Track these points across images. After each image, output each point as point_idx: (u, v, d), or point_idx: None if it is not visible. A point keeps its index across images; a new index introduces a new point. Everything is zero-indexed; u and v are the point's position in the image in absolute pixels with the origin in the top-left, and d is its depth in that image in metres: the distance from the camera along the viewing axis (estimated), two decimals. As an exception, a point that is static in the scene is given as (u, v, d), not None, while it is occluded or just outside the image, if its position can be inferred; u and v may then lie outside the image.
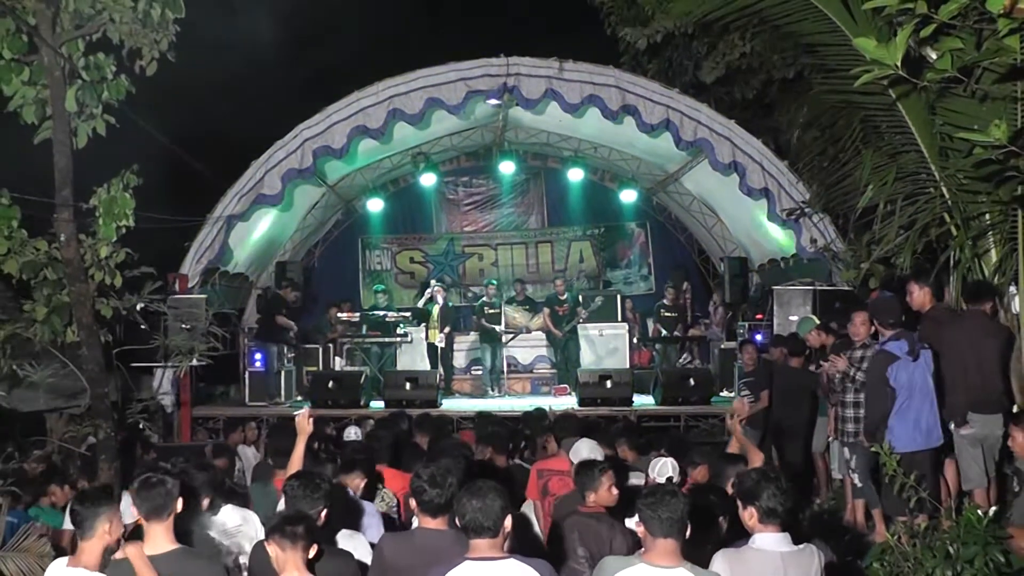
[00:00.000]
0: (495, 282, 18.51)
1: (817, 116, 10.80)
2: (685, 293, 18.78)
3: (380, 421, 11.27)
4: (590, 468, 6.36)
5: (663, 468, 7.08)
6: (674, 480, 6.86)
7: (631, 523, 5.58)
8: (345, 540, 5.74)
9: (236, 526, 6.08)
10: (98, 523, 4.88)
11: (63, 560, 4.96)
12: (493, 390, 17.40)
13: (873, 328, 8.98)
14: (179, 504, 5.11)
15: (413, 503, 5.44)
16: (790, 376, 11.09)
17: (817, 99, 10.79)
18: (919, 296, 8.68)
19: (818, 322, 11.30)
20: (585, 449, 7.03)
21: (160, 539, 4.98)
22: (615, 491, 6.29)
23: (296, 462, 6.49)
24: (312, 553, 4.76)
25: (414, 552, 5.23)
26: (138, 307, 8.14)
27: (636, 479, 7.62)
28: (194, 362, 9.15)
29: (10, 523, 7.56)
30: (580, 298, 17.74)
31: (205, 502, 5.76)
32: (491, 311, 17.43)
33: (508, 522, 4.58)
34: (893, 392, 8.03)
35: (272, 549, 4.71)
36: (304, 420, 6.64)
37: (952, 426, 8.13)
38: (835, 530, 8.96)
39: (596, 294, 18.53)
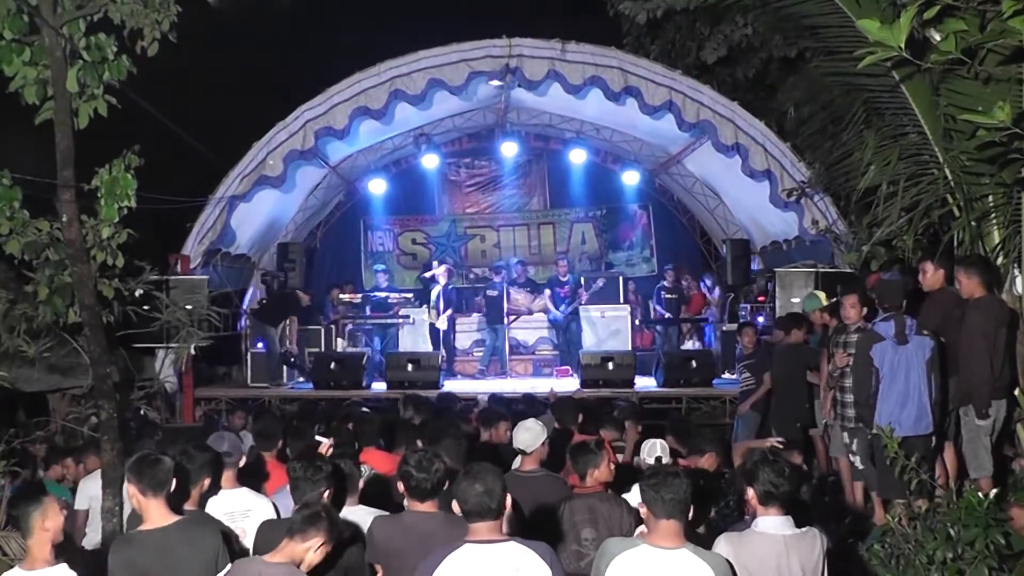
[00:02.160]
0: (502, 265, 18.71)
1: (815, 92, 10.78)
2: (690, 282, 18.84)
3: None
4: (586, 447, 6.37)
5: (652, 449, 7.07)
6: (663, 461, 6.84)
7: (632, 499, 5.58)
8: (369, 516, 5.77)
9: (245, 510, 6.08)
10: (33, 520, 4.87)
11: (16, 570, 4.95)
12: (490, 372, 17.55)
13: (865, 310, 9.00)
14: (174, 484, 5.21)
15: (401, 487, 5.46)
16: (788, 355, 11.08)
17: (815, 74, 10.76)
18: (932, 278, 8.67)
19: (823, 297, 11.24)
20: (523, 429, 6.92)
21: (162, 513, 5.09)
22: (612, 466, 6.32)
23: None
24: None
25: (404, 535, 5.27)
26: (137, 293, 8.13)
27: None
28: (192, 350, 9.16)
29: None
30: (582, 280, 17.78)
31: (206, 482, 5.76)
32: (494, 293, 17.51)
33: (508, 502, 4.58)
34: (877, 373, 8.03)
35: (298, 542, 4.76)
36: (325, 453, 6.66)
37: (965, 414, 8.11)
38: (835, 512, 8.99)
39: (598, 276, 18.56)
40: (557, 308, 17.39)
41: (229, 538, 5.46)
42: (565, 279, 17.62)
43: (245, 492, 6.23)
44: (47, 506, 4.95)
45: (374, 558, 5.37)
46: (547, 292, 17.64)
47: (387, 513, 5.85)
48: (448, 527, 5.14)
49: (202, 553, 5.05)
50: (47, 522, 4.89)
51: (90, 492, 7.50)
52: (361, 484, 6.13)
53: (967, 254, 8.60)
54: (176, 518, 5.15)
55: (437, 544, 4.72)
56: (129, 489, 5.20)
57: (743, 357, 12.38)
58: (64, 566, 4.81)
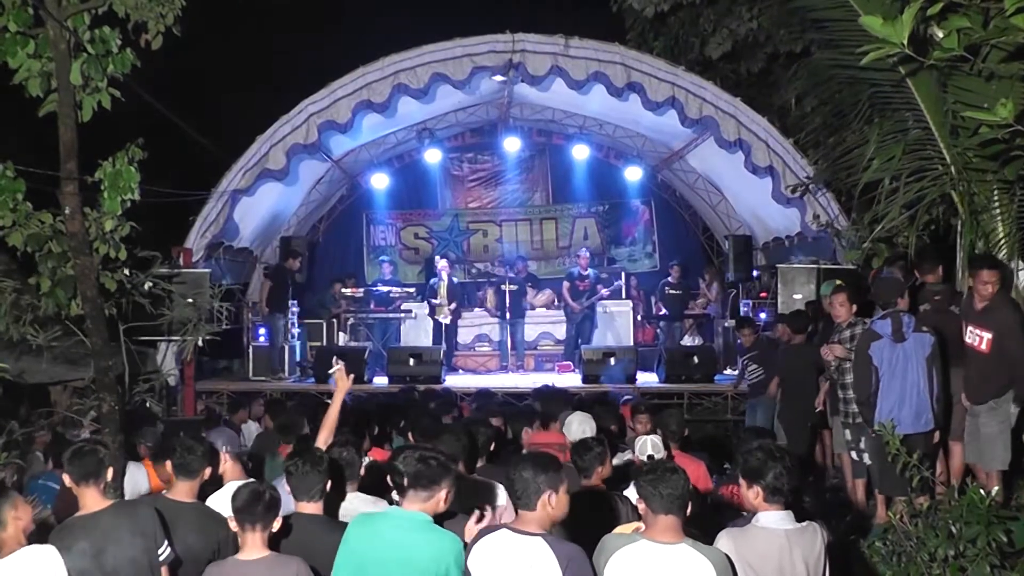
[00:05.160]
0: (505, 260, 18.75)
1: (818, 83, 10.76)
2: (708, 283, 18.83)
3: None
4: (590, 444, 6.39)
5: (643, 446, 7.08)
6: (655, 458, 6.82)
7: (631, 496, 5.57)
8: (368, 506, 5.78)
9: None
10: (4, 514, 4.90)
11: None
12: (494, 367, 17.62)
13: (854, 307, 9.01)
14: (110, 472, 5.41)
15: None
16: (797, 353, 11.08)
17: (817, 66, 10.74)
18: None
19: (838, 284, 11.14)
20: (576, 422, 7.00)
21: (95, 500, 5.27)
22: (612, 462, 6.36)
23: (329, 423, 6.50)
24: (276, 527, 4.88)
25: None
26: (147, 286, 8.15)
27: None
28: (200, 342, 9.18)
29: (49, 487, 7.58)
30: (601, 276, 17.86)
31: (206, 473, 5.79)
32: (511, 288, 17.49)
33: (548, 498, 4.55)
34: (877, 371, 8.04)
35: (233, 526, 4.87)
36: (342, 376, 6.67)
37: (997, 405, 8.07)
38: (837, 508, 8.99)
39: (600, 271, 18.59)
40: (574, 300, 17.37)
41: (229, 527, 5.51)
42: (587, 272, 17.61)
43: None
44: (14, 499, 5.00)
45: None
46: (566, 284, 17.62)
47: (383, 501, 5.87)
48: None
49: (138, 534, 5.15)
50: (18, 511, 4.93)
51: None
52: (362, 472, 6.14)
53: (986, 253, 8.59)
54: (108, 503, 5.30)
55: None
56: (65, 479, 5.39)
57: (746, 351, 12.36)
58: (35, 546, 4.87)
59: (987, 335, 7.98)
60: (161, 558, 5.17)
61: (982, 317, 8.05)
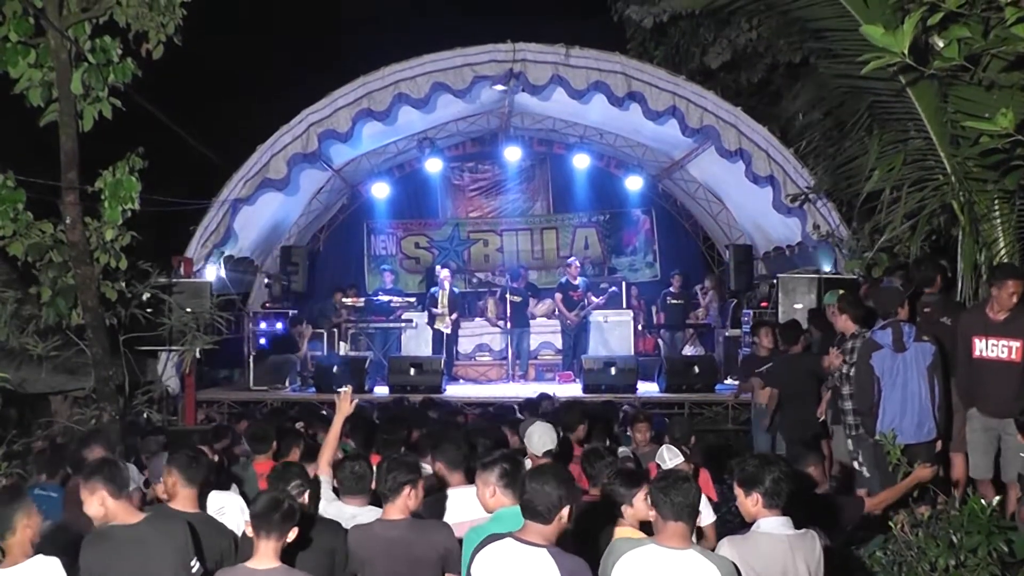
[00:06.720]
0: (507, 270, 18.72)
1: (822, 95, 10.75)
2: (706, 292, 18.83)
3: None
4: (601, 452, 6.41)
5: (660, 456, 7.08)
6: (661, 468, 6.80)
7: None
8: (371, 516, 5.80)
9: (219, 508, 6.09)
10: (16, 520, 4.84)
11: None
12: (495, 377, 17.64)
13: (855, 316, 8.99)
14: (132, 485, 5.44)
15: None
16: (794, 363, 10.99)
17: (822, 79, 10.73)
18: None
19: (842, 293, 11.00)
20: (537, 433, 6.92)
21: (128, 511, 5.19)
22: None
23: (331, 442, 6.53)
24: (291, 537, 4.80)
25: (373, 543, 5.32)
26: (145, 296, 8.17)
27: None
28: (198, 354, 9.19)
29: (48, 497, 7.53)
30: (601, 286, 17.84)
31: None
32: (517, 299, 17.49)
33: (565, 512, 4.50)
34: (879, 381, 8.03)
35: (249, 531, 4.80)
36: (346, 399, 6.66)
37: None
38: (837, 516, 8.96)
39: (600, 281, 18.56)
40: (571, 312, 17.23)
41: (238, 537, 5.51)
42: (577, 282, 17.48)
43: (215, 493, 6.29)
44: (29, 507, 4.96)
45: (352, 567, 5.42)
46: (558, 296, 17.50)
47: (377, 509, 5.89)
48: (413, 532, 5.26)
49: (174, 547, 5.09)
50: (30, 519, 4.89)
51: None
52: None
53: (1008, 263, 8.53)
54: (142, 515, 5.24)
55: (403, 550, 4.88)
56: (98, 493, 5.21)
57: (761, 361, 11.90)
58: (40, 556, 4.82)
59: (1016, 344, 7.87)
60: (193, 571, 5.13)
61: (1007, 327, 7.91)
